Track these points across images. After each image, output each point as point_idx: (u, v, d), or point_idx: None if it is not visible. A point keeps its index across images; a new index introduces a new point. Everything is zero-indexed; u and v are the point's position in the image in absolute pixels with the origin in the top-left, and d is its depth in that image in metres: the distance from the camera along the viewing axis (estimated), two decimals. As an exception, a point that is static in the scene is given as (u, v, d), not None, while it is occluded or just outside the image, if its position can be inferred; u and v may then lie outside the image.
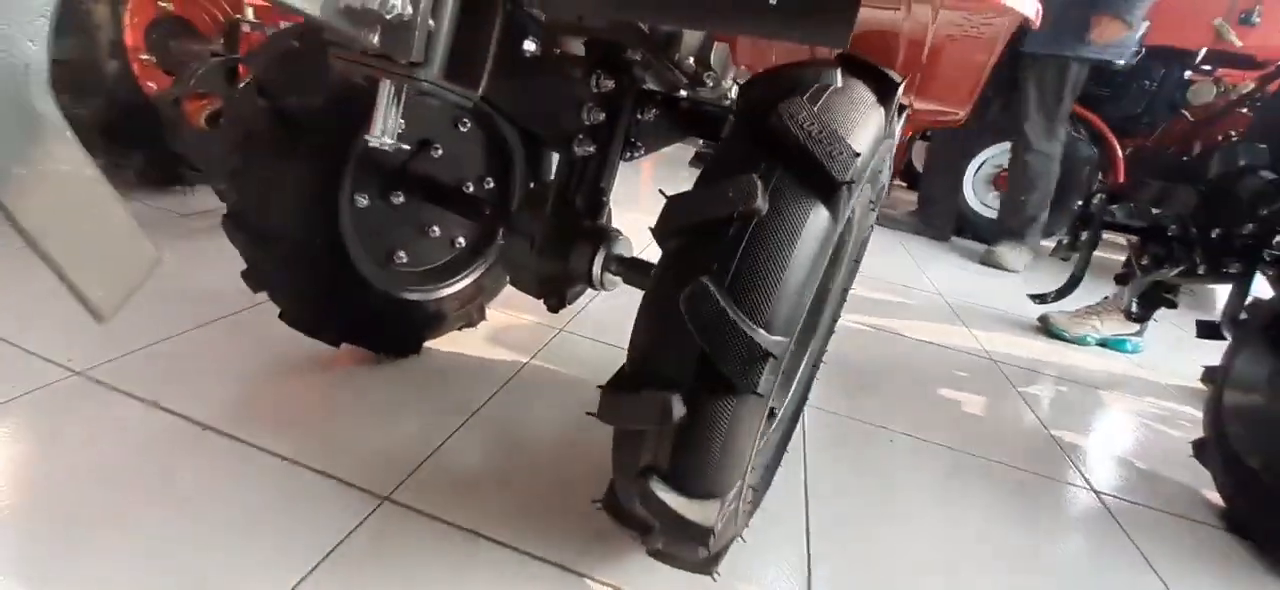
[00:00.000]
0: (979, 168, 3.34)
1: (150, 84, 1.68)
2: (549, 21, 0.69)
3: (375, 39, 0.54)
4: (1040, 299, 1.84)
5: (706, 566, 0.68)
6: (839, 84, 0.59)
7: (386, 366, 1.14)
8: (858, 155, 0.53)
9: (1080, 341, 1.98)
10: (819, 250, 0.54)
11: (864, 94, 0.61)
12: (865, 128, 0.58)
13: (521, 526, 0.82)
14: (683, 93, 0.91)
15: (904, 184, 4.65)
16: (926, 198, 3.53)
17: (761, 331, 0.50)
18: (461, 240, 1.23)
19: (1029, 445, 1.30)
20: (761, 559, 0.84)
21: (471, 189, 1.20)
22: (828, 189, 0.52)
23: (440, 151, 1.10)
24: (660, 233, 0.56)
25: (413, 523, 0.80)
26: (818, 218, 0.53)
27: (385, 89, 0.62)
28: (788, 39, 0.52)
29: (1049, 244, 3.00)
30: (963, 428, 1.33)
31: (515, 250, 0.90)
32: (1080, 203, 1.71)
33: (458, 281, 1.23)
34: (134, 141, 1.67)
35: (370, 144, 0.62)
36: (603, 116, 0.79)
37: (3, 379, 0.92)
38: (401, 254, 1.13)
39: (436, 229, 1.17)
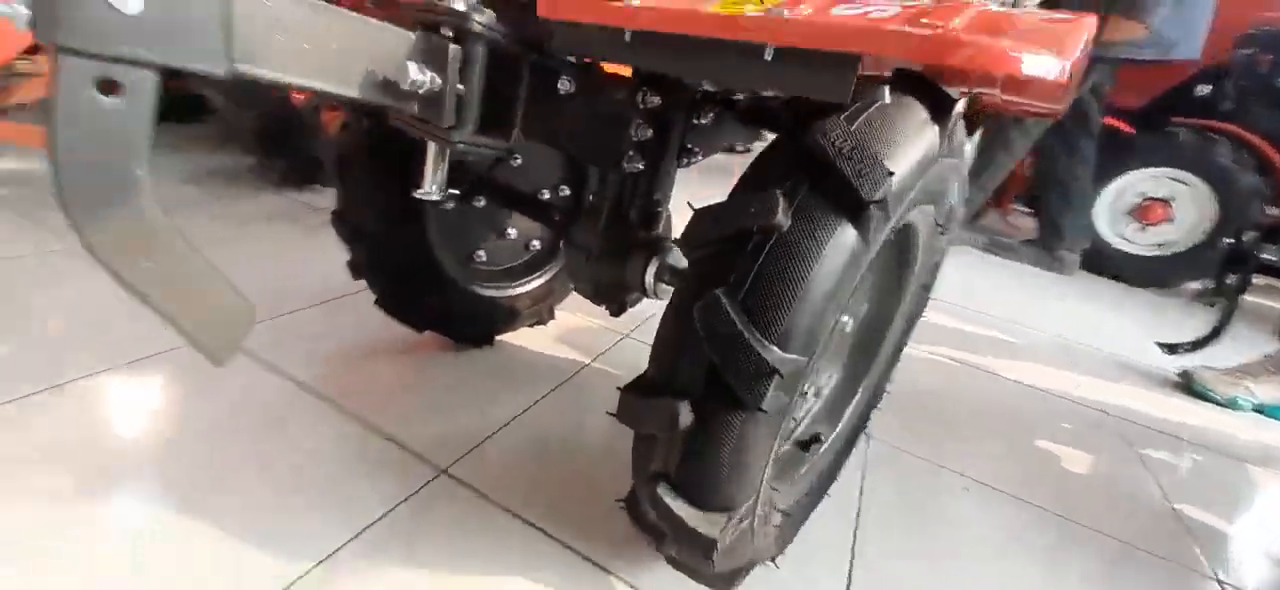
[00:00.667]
0: (1118, 196, 2.94)
1: (298, 95, 1.96)
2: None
3: (414, 108, 0.61)
4: (1171, 349, 1.59)
5: (724, 583, 0.68)
6: (887, 101, 0.58)
7: (462, 354, 1.24)
8: (891, 175, 0.51)
9: (1231, 405, 1.68)
10: (844, 270, 0.52)
11: (915, 112, 0.59)
12: (910, 147, 0.56)
13: (561, 516, 0.86)
14: (739, 95, 0.91)
15: (1029, 210, 4.19)
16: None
17: (774, 348, 0.50)
18: (536, 243, 1.31)
19: (1140, 517, 1.13)
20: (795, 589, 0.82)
21: (547, 196, 1.27)
22: (855, 208, 0.51)
23: (519, 161, 1.18)
24: (686, 243, 0.57)
25: (462, 496, 0.87)
26: (842, 236, 0.51)
27: (431, 149, 0.69)
28: (790, 91, 0.52)
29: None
30: (1054, 485, 1.18)
31: (574, 260, 0.95)
32: (1230, 240, 1.46)
33: (530, 282, 1.31)
34: (281, 146, 1.96)
35: (417, 197, 0.69)
36: (650, 132, 0.81)
37: (156, 338, 1.10)
38: (481, 253, 1.23)
39: (513, 232, 1.26)
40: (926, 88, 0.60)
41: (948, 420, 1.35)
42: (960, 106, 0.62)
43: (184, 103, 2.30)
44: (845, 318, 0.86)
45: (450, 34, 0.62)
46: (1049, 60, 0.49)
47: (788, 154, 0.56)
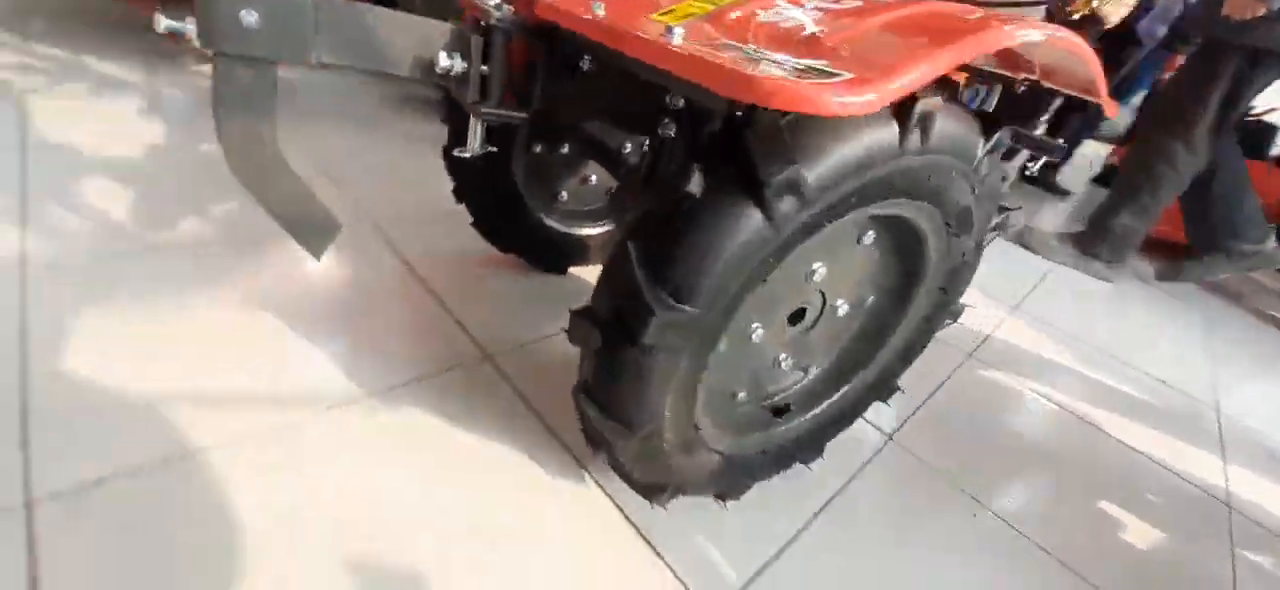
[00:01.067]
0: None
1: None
2: None
3: (451, 86, 0.77)
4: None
5: (647, 492, 0.80)
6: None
7: (537, 276, 1.45)
8: (792, 162, 0.56)
9: None
10: (744, 244, 0.59)
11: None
12: (843, 141, 0.60)
13: (568, 420, 1.00)
14: None
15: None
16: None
17: (665, 295, 0.60)
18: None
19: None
20: (726, 537, 0.89)
21: (629, 148, 1.41)
22: (755, 188, 0.58)
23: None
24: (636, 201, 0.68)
25: (496, 380, 1.09)
26: (743, 213, 0.59)
27: (470, 117, 0.86)
28: (695, 99, 0.60)
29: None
30: (1094, 549, 1.07)
31: (618, 212, 1.08)
32: None
33: (604, 224, 1.47)
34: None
35: (454, 154, 0.87)
36: (682, 102, 0.89)
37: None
38: (563, 194, 1.41)
39: (594, 178, 1.42)
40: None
41: (998, 452, 1.26)
42: (925, 103, 0.63)
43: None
44: (839, 301, 0.88)
45: (479, 24, 0.78)
46: (867, 96, 0.51)
47: (728, 135, 0.63)
